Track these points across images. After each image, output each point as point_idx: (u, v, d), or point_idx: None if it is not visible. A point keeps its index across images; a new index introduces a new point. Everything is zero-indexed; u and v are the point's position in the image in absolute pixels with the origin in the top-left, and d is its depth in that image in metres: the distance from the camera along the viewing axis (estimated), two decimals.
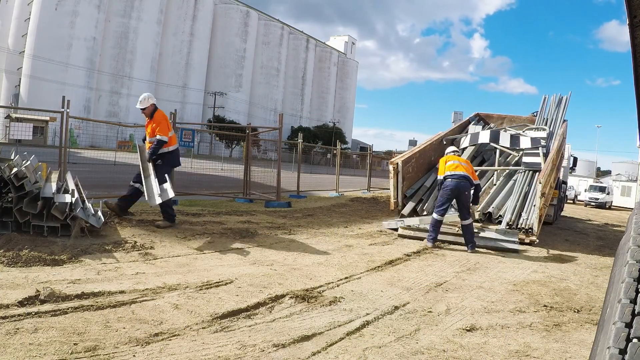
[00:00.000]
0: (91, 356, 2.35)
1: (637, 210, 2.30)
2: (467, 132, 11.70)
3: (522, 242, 7.68)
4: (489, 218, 8.39)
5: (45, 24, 49.96)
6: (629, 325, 1.39)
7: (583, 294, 4.65)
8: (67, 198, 5.15)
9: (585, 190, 33.62)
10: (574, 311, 3.96)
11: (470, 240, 6.83)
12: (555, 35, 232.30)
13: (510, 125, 12.14)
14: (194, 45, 62.62)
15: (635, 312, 1.42)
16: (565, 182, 15.34)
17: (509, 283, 4.86)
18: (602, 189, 32.80)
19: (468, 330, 3.23)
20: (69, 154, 9.02)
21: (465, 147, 10.51)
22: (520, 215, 8.12)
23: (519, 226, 7.91)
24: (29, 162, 5.33)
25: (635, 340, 1.35)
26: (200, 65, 64.21)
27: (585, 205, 30.86)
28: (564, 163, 13.37)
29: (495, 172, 9.82)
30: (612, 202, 33.61)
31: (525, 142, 10.14)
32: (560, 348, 3.04)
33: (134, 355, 2.40)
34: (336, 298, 3.73)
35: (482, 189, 9.29)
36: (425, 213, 8.69)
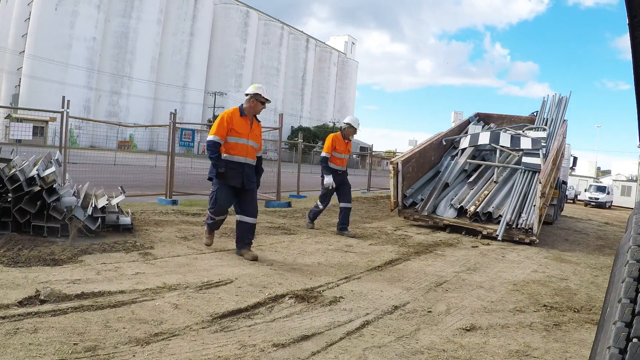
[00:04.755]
0: (91, 356, 2.35)
1: (637, 210, 2.30)
2: (466, 132, 11.69)
3: (522, 242, 7.69)
4: (488, 217, 8.40)
5: (45, 24, 49.99)
6: (629, 325, 1.39)
7: (583, 294, 4.65)
8: (73, 200, 5.16)
9: (585, 190, 33.63)
10: (574, 311, 3.96)
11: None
12: (576, 45, 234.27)
13: (510, 125, 12.14)
14: (194, 45, 62.61)
15: (636, 312, 1.41)
16: (565, 182, 15.34)
17: (509, 283, 4.86)
18: (602, 189, 32.79)
19: (468, 330, 3.23)
20: (69, 154, 9.02)
21: (465, 148, 10.51)
22: (520, 215, 8.12)
23: (518, 226, 7.92)
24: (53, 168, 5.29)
25: (635, 340, 1.35)
26: (200, 65, 64.19)
27: (585, 205, 30.85)
28: (564, 163, 13.38)
29: (496, 172, 9.82)
30: (612, 201, 33.60)
31: (525, 143, 10.13)
32: (560, 348, 3.04)
33: (133, 355, 2.40)
34: (336, 298, 3.73)
35: (482, 188, 9.29)
36: (425, 213, 8.70)
